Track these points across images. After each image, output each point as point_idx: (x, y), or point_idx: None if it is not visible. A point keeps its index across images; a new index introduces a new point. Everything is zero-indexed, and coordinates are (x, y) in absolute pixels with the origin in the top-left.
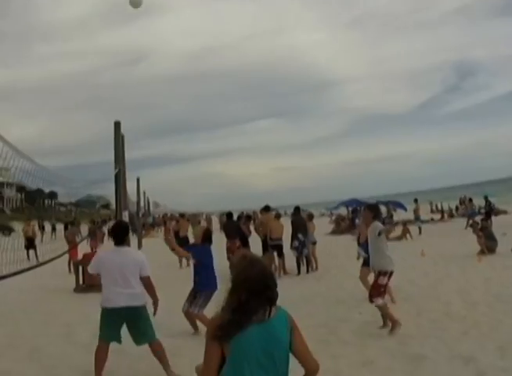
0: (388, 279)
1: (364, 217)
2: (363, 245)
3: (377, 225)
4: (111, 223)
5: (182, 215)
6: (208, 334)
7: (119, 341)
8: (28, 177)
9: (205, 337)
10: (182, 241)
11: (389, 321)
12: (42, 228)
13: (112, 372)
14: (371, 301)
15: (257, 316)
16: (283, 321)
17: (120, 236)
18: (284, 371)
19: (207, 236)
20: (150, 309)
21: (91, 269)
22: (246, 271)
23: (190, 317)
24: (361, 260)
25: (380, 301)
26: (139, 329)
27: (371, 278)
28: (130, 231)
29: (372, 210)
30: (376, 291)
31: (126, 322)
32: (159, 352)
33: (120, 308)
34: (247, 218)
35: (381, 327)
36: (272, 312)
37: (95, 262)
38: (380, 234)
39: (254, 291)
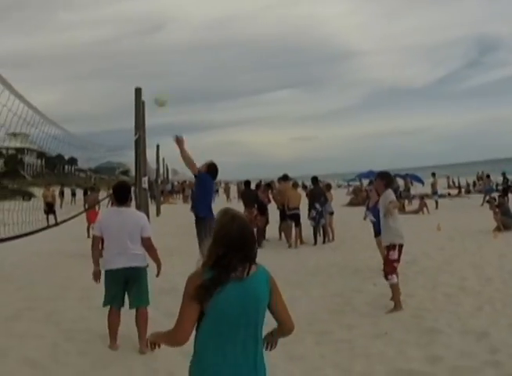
0: (399, 252)
1: (376, 185)
2: (372, 209)
3: (389, 193)
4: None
5: None
6: (187, 293)
7: (119, 305)
8: (52, 142)
9: (183, 295)
10: None
11: (394, 299)
12: (62, 194)
13: (124, 336)
14: (386, 278)
15: (236, 273)
16: (263, 280)
17: (121, 196)
18: (260, 329)
19: (211, 169)
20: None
21: (94, 232)
22: (226, 227)
23: None
24: (369, 222)
25: (394, 279)
26: (134, 291)
27: None
28: (149, 197)
29: (383, 178)
30: (390, 267)
31: (126, 283)
32: (141, 321)
33: (119, 269)
34: (267, 186)
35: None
36: (251, 270)
37: (97, 224)
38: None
39: (233, 247)
